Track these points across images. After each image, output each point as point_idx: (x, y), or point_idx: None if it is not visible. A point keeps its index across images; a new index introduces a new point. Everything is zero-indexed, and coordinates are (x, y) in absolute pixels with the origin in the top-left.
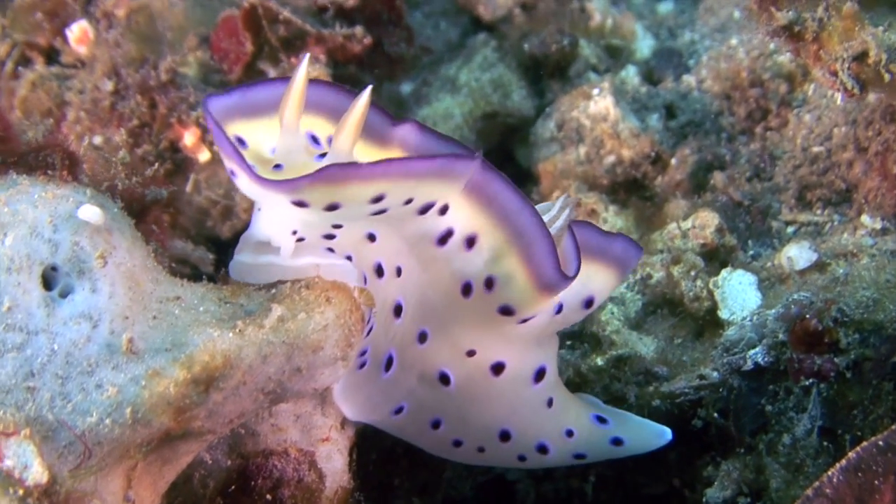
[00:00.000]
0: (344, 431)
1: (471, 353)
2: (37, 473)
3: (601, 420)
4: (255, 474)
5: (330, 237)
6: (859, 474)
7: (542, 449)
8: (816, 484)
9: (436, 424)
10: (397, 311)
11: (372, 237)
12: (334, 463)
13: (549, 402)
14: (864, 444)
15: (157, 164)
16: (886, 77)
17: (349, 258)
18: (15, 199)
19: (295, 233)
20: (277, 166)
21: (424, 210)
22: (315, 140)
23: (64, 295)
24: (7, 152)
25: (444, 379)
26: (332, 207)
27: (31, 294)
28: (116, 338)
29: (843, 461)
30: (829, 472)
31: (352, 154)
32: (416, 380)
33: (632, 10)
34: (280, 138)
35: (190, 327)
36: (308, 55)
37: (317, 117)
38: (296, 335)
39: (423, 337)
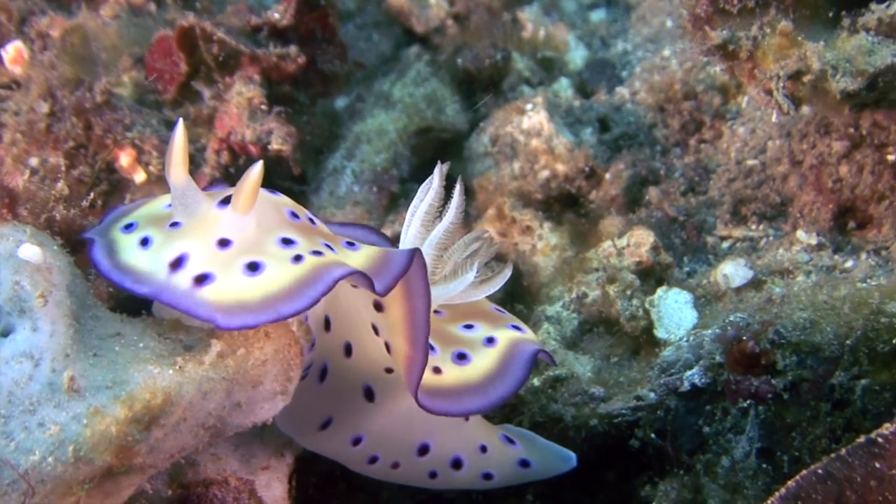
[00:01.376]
0: (283, 458)
1: (389, 371)
2: None
3: (509, 440)
4: None
5: None
6: (798, 503)
7: (457, 463)
8: None
9: (356, 441)
10: (326, 324)
11: None
12: (273, 491)
13: (467, 416)
14: (804, 472)
15: (92, 194)
16: (835, 89)
17: None
18: None
19: None
20: (174, 224)
21: None
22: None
23: (5, 334)
24: None
25: (369, 394)
26: None
27: None
28: (58, 376)
29: (783, 490)
30: (769, 501)
31: (251, 218)
32: (344, 391)
33: (564, 20)
34: (172, 197)
35: (130, 364)
36: (181, 120)
37: None
38: (235, 371)
39: (348, 349)
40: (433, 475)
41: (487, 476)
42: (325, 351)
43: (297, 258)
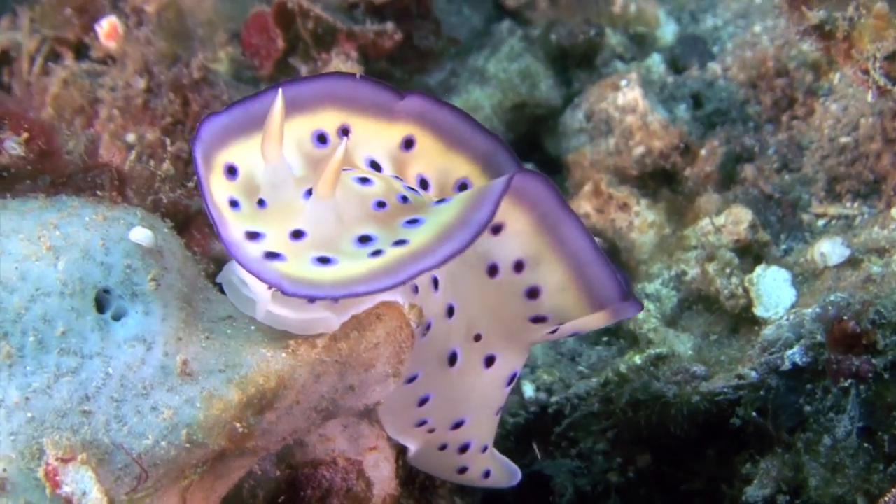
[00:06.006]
0: (390, 439)
1: (477, 338)
2: (95, 500)
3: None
4: (304, 484)
5: None
6: None
7: (464, 449)
8: None
9: (423, 401)
10: (435, 282)
11: None
12: (382, 471)
13: (499, 411)
14: None
15: None
16: None
17: None
18: (66, 222)
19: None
20: (261, 202)
21: None
22: (322, 140)
23: (117, 318)
24: (54, 171)
25: (453, 359)
26: None
27: (85, 318)
28: (170, 360)
29: None
30: (886, 497)
31: (331, 209)
32: (436, 351)
33: None
34: (263, 172)
35: (243, 347)
36: (281, 91)
37: (325, 111)
38: (348, 354)
39: (450, 311)
40: (444, 448)
41: (463, 470)
42: (432, 308)
43: (377, 253)
